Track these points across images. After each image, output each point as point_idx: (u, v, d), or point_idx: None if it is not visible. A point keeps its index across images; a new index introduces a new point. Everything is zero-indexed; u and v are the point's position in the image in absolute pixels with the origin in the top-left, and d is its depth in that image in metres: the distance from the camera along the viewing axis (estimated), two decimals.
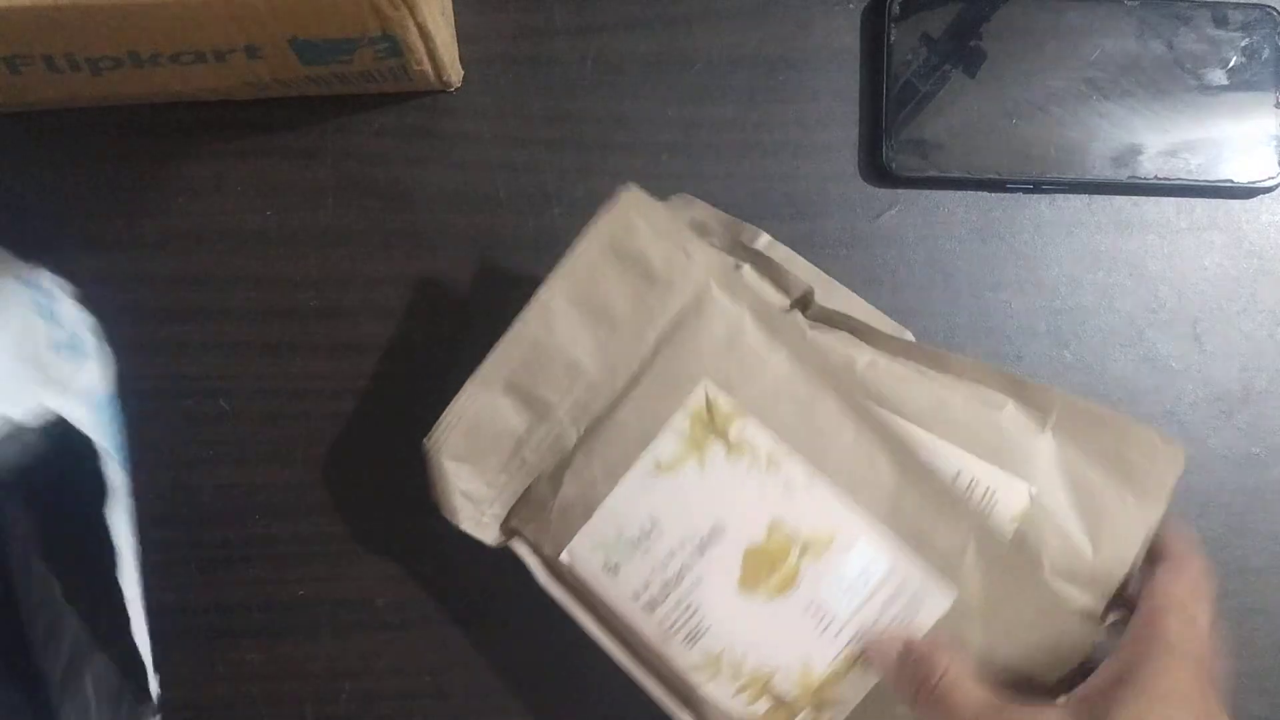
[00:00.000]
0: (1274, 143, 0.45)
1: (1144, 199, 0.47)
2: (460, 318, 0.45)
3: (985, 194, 0.47)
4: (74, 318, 0.40)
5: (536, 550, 0.39)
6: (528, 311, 0.38)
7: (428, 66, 0.41)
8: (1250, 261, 0.47)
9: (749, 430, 0.37)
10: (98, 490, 0.37)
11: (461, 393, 0.38)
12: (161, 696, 0.40)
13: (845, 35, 0.47)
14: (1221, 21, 0.46)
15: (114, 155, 0.45)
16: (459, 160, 0.46)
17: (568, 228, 0.45)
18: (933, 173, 0.45)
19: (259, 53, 0.39)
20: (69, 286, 0.41)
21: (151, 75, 0.40)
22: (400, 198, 0.46)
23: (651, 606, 0.38)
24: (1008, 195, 0.47)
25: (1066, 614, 0.36)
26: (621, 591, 0.38)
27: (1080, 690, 0.33)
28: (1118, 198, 0.47)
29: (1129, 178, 0.45)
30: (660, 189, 0.46)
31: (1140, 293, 0.46)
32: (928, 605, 0.37)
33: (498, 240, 0.46)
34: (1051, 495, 0.37)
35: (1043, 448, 0.38)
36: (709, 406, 0.37)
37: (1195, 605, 0.33)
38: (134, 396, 0.43)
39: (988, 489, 0.38)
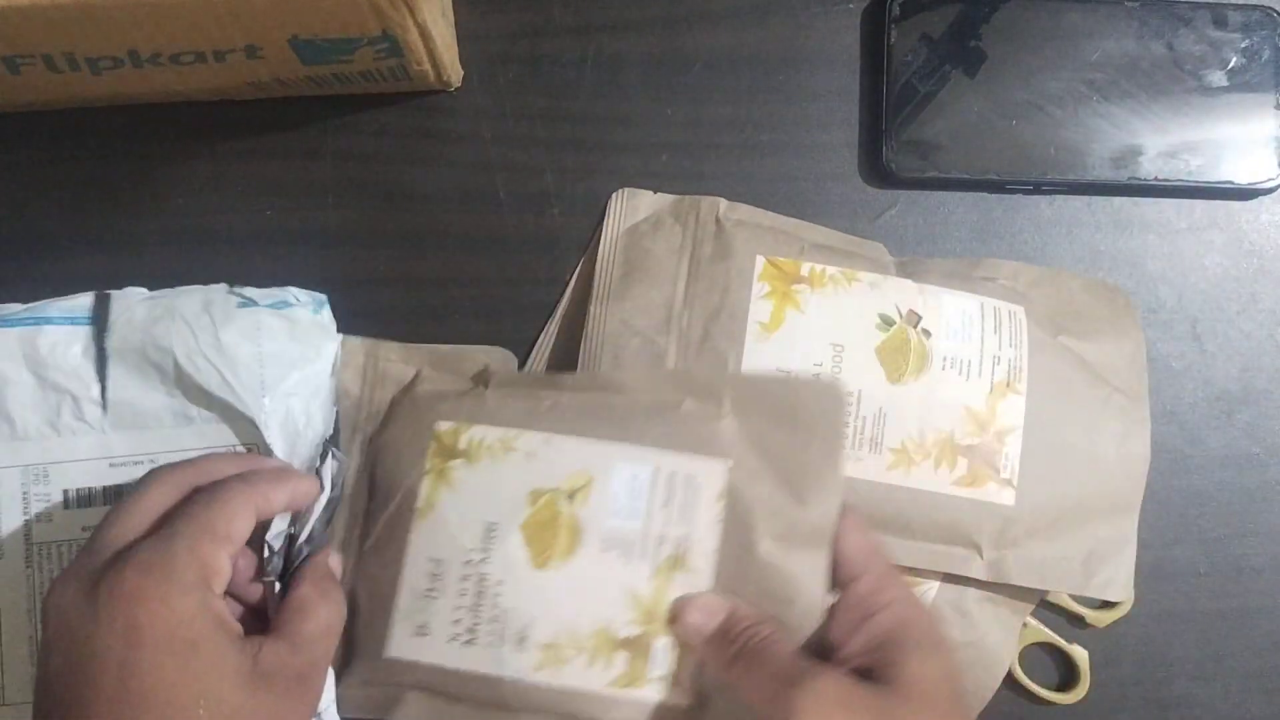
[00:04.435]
0: (1274, 144, 0.45)
1: (1144, 199, 0.47)
2: (460, 318, 0.45)
3: (985, 194, 0.47)
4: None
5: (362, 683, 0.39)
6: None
7: (428, 66, 0.41)
8: (1250, 261, 0.47)
9: (475, 434, 0.39)
10: None
11: None
12: None
13: (845, 35, 0.47)
14: (1221, 22, 0.46)
15: (114, 155, 0.45)
16: (459, 160, 0.46)
17: (568, 227, 0.46)
18: (933, 173, 0.45)
19: (259, 53, 0.39)
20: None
21: (151, 75, 0.40)
22: (400, 198, 0.46)
23: (471, 638, 0.38)
24: (1008, 195, 0.47)
25: (795, 579, 0.38)
26: (439, 644, 0.38)
27: (844, 655, 0.36)
28: (1118, 198, 0.47)
29: (1129, 179, 0.45)
30: (660, 189, 0.46)
31: (1140, 293, 0.46)
32: (705, 479, 0.39)
33: (498, 240, 0.46)
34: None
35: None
36: (438, 438, 0.40)
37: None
38: None
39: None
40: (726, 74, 0.46)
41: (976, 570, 0.42)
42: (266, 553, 0.36)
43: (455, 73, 0.45)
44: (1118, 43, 0.45)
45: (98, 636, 0.31)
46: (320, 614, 0.36)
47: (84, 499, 0.40)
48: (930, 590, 0.42)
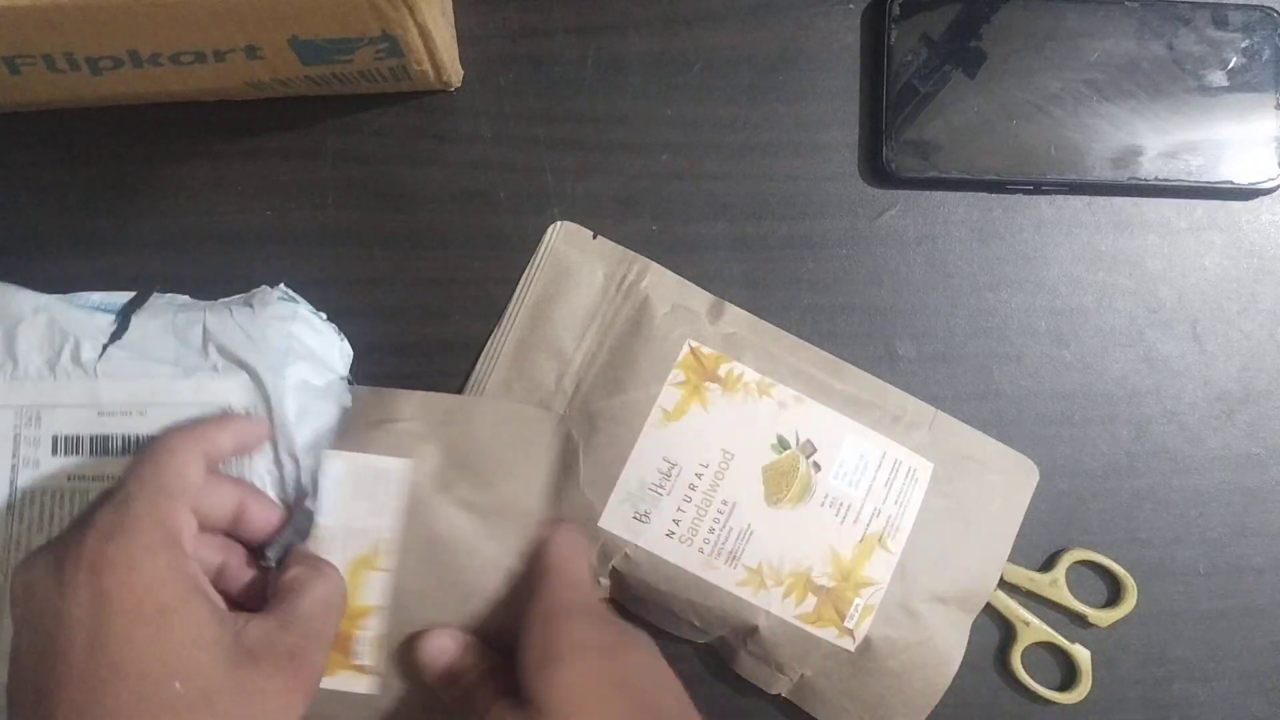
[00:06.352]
0: (1274, 144, 0.45)
1: (1144, 199, 0.47)
2: (460, 318, 0.45)
3: (985, 194, 0.47)
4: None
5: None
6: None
7: (428, 66, 0.41)
8: (1250, 261, 0.47)
9: (735, 368, 0.43)
10: None
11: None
12: None
13: (845, 35, 0.47)
14: (1221, 22, 0.46)
15: (114, 155, 0.45)
16: (459, 160, 0.46)
17: None
18: (933, 173, 0.45)
19: (259, 53, 0.39)
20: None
21: (151, 75, 0.40)
22: (400, 198, 0.46)
23: (689, 539, 0.42)
24: (1008, 195, 0.47)
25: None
26: (655, 534, 0.42)
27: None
28: (1118, 198, 0.47)
29: (1129, 179, 0.45)
30: (660, 189, 0.46)
31: (1140, 293, 0.46)
32: (919, 477, 0.43)
33: (498, 240, 0.46)
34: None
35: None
36: (696, 355, 0.43)
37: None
38: None
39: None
40: (726, 74, 0.46)
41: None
42: (263, 562, 0.36)
43: (455, 73, 0.45)
44: (1118, 43, 0.45)
45: (65, 609, 0.30)
46: (316, 590, 0.35)
47: (71, 446, 0.39)
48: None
